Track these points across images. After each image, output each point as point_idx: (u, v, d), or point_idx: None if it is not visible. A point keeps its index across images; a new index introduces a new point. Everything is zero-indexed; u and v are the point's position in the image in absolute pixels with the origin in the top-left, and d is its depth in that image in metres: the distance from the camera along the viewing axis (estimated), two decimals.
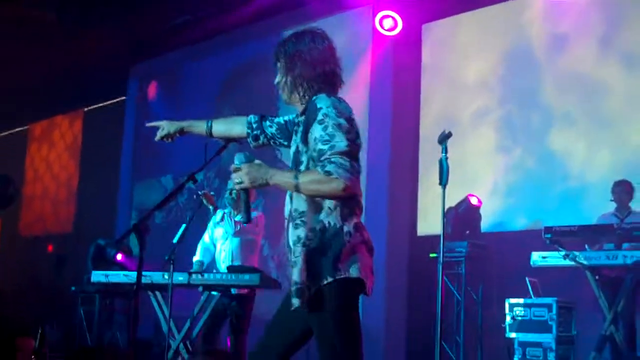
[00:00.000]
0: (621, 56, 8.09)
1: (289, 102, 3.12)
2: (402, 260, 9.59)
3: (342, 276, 2.83)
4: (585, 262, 6.26)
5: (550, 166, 8.43)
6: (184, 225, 5.88)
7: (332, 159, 2.79)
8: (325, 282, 2.83)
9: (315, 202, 2.88)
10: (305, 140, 2.94)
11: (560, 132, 8.40)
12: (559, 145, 8.37)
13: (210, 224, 6.67)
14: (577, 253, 6.30)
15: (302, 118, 3.03)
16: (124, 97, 13.58)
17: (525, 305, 6.60)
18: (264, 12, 10.79)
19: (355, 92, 10.31)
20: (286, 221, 3.00)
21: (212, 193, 6.51)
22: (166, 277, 5.98)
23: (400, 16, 9.68)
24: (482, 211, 8.32)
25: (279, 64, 3.11)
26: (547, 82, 8.63)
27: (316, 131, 2.87)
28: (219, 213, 6.43)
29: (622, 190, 7.04)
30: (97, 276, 6.77)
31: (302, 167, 2.94)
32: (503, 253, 8.00)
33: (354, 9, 10.42)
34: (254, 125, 3.33)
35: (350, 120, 2.90)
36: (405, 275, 9.43)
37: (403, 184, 9.78)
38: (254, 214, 6.56)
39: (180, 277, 6.06)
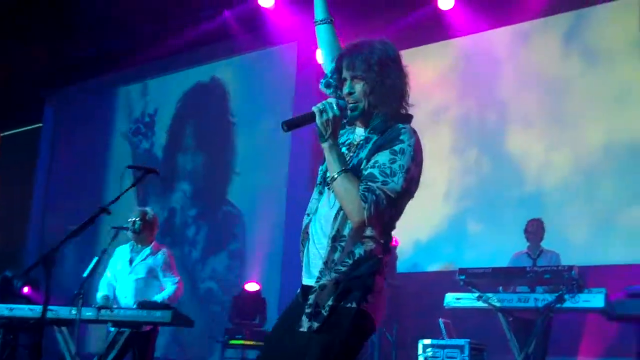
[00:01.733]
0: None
1: (361, 114, 2.82)
2: None
3: (364, 307, 2.69)
4: (497, 304, 6.32)
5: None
6: (95, 259, 5.72)
7: (377, 192, 2.63)
8: (347, 304, 2.69)
9: (360, 228, 2.71)
10: (369, 158, 2.74)
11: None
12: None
13: (111, 259, 6.51)
14: (490, 295, 6.37)
15: (374, 135, 2.80)
16: (40, 124, 13.30)
17: (438, 347, 6.61)
18: (191, 44, 10.73)
19: (278, 127, 10.32)
20: (317, 236, 2.80)
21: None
22: (73, 312, 5.77)
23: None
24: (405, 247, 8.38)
25: (364, 68, 2.78)
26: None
27: (383, 157, 2.70)
28: (147, 250, 6.32)
29: (536, 228, 7.21)
30: (1, 309, 6.49)
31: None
32: (418, 294, 8.04)
33: (279, 45, 10.49)
34: (334, 76, 2.98)
35: (419, 165, 2.75)
36: None
37: None
38: (163, 250, 6.45)
39: (88, 313, 5.86)
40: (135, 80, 12.12)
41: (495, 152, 8.74)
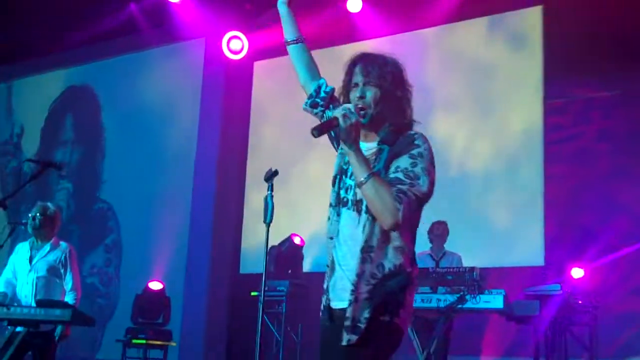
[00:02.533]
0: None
1: (369, 121, 2.83)
2: (222, 297, 9.47)
3: (397, 321, 2.72)
4: None
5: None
6: None
7: (409, 194, 2.66)
8: (382, 317, 2.70)
9: (386, 239, 2.72)
10: (387, 167, 2.76)
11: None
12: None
13: (11, 257, 6.27)
14: None
15: (385, 146, 2.82)
16: None
17: None
18: (96, 37, 10.44)
19: (184, 124, 10.19)
20: (344, 259, 2.81)
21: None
22: None
23: (231, 51, 9.69)
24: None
25: (377, 75, 2.84)
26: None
27: (403, 162, 2.74)
28: (47, 246, 6.11)
29: (441, 231, 7.34)
30: None
31: None
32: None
33: (186, 41, 10.35)
34: (323, 95, 3.05)
35: (435, 169, 2.79)
36: (225, 313, 9.31)
37: (228, 220, 9.70)
38: (64, 244, 6.26)
39: None
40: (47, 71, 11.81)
41: None
